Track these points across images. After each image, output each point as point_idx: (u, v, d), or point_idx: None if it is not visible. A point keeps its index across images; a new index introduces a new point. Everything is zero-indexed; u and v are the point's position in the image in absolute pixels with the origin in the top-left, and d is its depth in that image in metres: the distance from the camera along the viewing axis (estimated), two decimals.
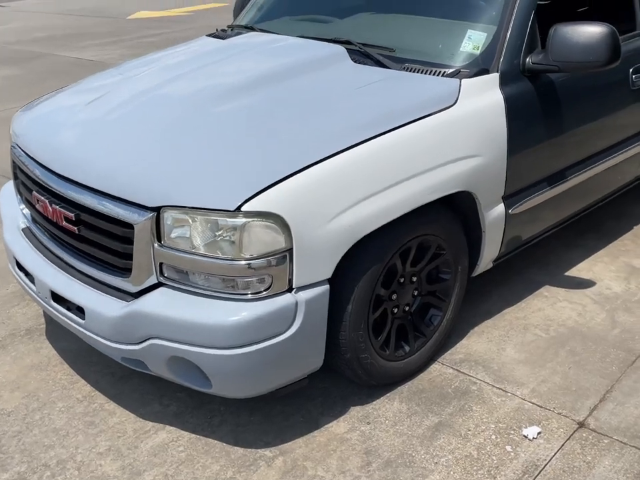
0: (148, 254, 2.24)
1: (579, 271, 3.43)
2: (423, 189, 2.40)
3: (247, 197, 2.08)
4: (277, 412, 2.59)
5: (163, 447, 2.45)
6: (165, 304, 2.24)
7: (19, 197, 2.92)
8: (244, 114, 2.48)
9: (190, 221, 2.16)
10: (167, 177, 2.23)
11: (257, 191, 2.09)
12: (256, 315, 2.15)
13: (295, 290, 2.20)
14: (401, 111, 2.43)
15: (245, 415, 2.59)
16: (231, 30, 3.62)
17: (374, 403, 2.61)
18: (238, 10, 3.99)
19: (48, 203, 2.51)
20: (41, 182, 2.56)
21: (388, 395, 2.64)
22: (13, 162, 2.87)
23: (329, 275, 2.24)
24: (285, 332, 2.20)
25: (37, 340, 3.11)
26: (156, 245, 2.22)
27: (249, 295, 2.17)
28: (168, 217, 2.18)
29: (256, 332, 2.17)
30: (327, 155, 2.21)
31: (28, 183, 2.72)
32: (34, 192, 2.61)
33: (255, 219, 2.09)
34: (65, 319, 2.53)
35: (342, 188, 2.21)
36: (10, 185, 3.21)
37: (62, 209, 2.45)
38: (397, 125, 2.37)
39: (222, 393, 2.34)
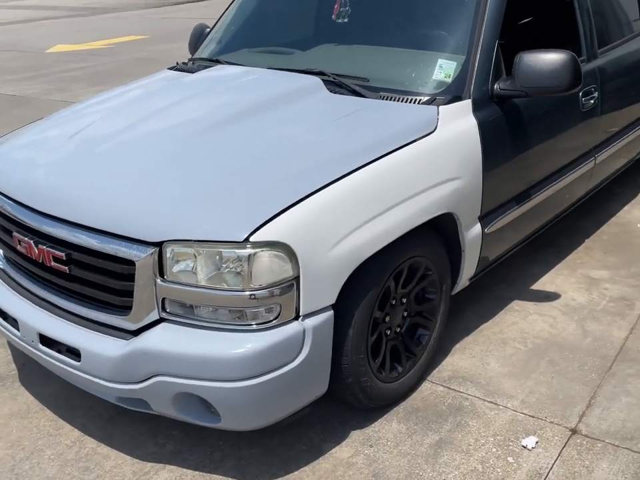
0: (150, 290, 2.20)
1: (543, 284, 3.60)
2: (413, 213, 2.47)
3: (254, 227, 2.09)
4: (277, 443, 2.58)
5: None
6: (169, 339, 2.21)
7: None
8: (234, 146, 2.50)
9: (195, 254, 2.15)
10: (167, 211, 2.22)
11: (264, 220, 2.11)
12: (266, 345, 2.15)
13: (301, 317, 2.21)
14: (388, 138, 2.51)
15: (246, 448, 2.56)
16: (193, 63, 3.63)
17: (373, 425, 2.64)
18: (193, 44, 4.00)
19: (33, 244, 2.43)
20: (23, 222, 2.48)
21: (385, 416, 2.68)
22: None
23: (333, 300, 2.27)
24: (293, 360, 2.21)
25: (11, 387, 2.97)
26: (158, 280, 2.19)
27: (258, 325, 2.17)
28: (171, 252, 2.16)
29: (266, 362, 2.17)
30: (326, 183, 2.26)
31: (5, 224, 2.62)
32: (14, 233, 2.52)
33: (264, 249, 2.10)
34: (55, 363, 2.44)
35: (342, 215, 2.26)
36: None
37: (50, 249, 2.38)
38: (386, 152, 2.45)
39: (230, 427, 2.32)
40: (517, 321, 3.27)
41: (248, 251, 2.10)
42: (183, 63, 3.68)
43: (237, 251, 2.10)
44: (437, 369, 2.94)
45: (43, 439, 2.66)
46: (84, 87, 9.42)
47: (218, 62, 3.42)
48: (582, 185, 3.75)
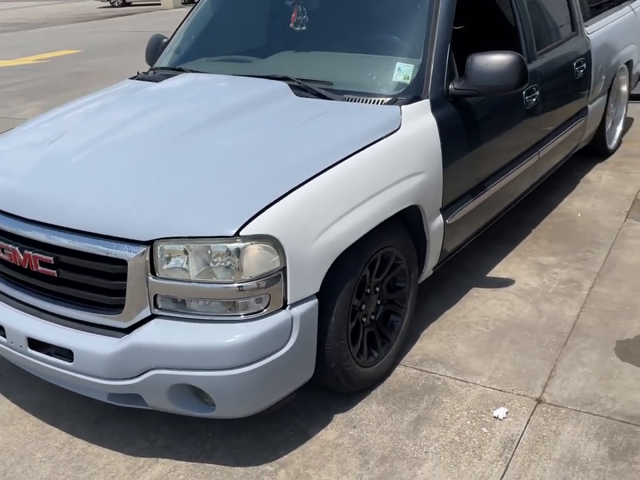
0: (142, 288, 2.29)
1: (497, 272, 3.83)
2: (385, 205, 2.64)
3: (244, 222, 2.22)
4: (264, 430, 2.69)
5: (162, 478, 2.48)
6: (163, 333, 2.30)
7: None
8: (213, 147, 2.62)
9: (186, 250, 2.25)
10: (156, 210, 2.32)
11: (252, 215, 2.24)
12: (257, 334, 2.27)
13: (289, 306, 2.35)
14: (358, 136, 2.68)
15: (235, 437, 2.67)
16: (154, 72, 3.71)
17: (354, 408, 2.79)
18: (151, 54, 4.07)
19: (18, 250, 2.48)
20: (6, 230, 2.53)
21: (364, 399, 2.83)
22: None
23: (317, 289, 2.41)
24: (283, 347, 2.34)
25: None
26: (150, 277, 2.28)
27: (249, 315, 2.29)
28: (162, 249, 2.26)
29: (258, 349, 2.29)
30: (305, 179, 2.40)
31: None
32: None
33: (253, 242, 2.22)
34: (45, 365, 2.50)
35: (321, 208, 2.41)
36: None
37: (37, 254, 2.44)
38: (358, 149, 2.61)
39: (224, 415, 2.42)
40: (477, 306, 3.48)
41: (238, 244, 2.22)
42: (144, 73, 3.76)
43: (227, 245, 2.22)
44: (408, 353, 3.11)
45: (32, 443, 2.69)
46: (22, 102, 9.28)
47: (181, 70, 3.52)
48: (528, 178, 4.01)
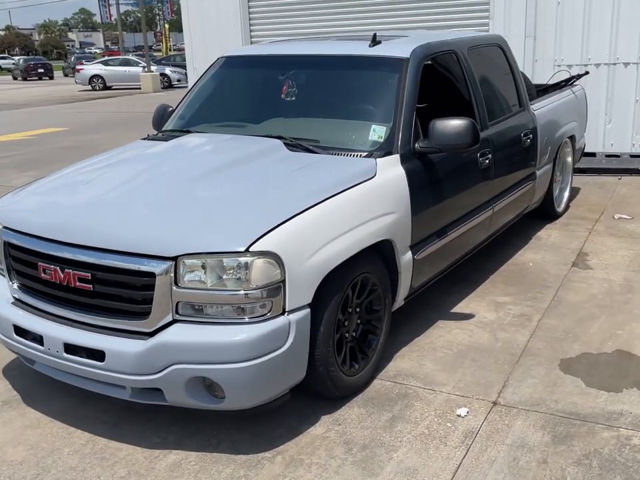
0: (167, 297, 2.80)
1: (460, 308, 4.38)
2: (364, 236, 3.21)
3: (252, 240, 2.76)
4: (262, 429, 3.14)
5: (177, 464, 2.90)
6: (185, 334, 2.79)
7: (7, 275, 3.30)
8: (225, 185, 3.19)
9: (204, 263, 2.77)
10: (180, 232, 2.85)
11: (259, 235, 2.78)
12: (261, 333, 2.77)
13: (287, 313, 2.86)
14: (342, 179, 3.27)
15: (237, 434, 3.11)
16: (162, 134, 4.32)
17: (339, 411, 3.25)
18: (158, 120, 4.67)
19: (59, 270, 2.98)
20: (49, 254, 3.02)
21: (347, 404, 3.30)
22: (5, 244, 3.26)
23: (309, 300, 2.93)
24: (282, 346, 2.84)
25: (17, 407, 3.39)
26: (174, 287, 2.79)
27: (254, 318, 2.79)
28: (184, 264, 2.78)
29: (262, 346, 2.78)
30: (301, 210, 2.97)
31: (26, 258, 3.15)
32: (39, 263, 3.05)
33: (259, 257, 2.76)
34: (78, 366, 2.95)
35: (314, 234, 2.96)
36: None
37: (76, 272, 2.93)
38: (342, 189, 3.20)
39: (232, 406, 2.88)
40: (442, 334, 4.01)
41: (247, 258, 2.75)
42: (154, 134, 4.37)
43: (238, 259, 2.75)
44: (384, 369, 3.61)
45: (59, 441, 3.10)
46: (17, 172, 9.82)
47: (189, 132, 4.13)
48: (484, 229, 4.63)
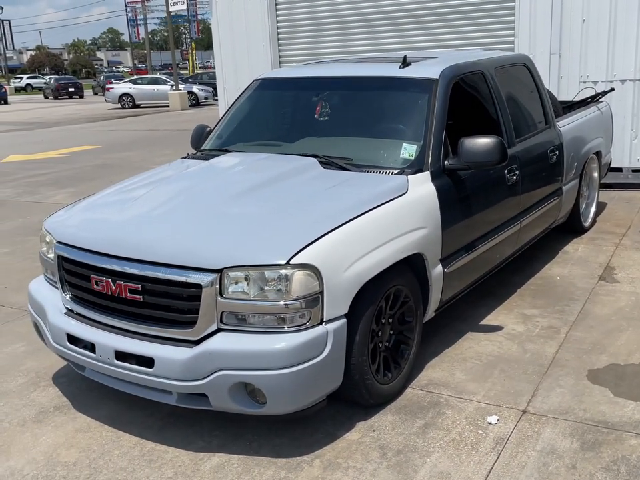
0: (212, 307, 2.97)
1: (489, 320, 4.50)
2: (397, 249, 3.37)
3: (292, 254, 2.93)
4: (300, 434, 3.29)
5: (220, 466, 3.06)
6: (229, 342, 2.96)
7: (60, 287, 3.50)
8: (266, 201, 3.38)
9: (247, 275, 2.95)
10: (224, 246, 3.03)
11: (299, 249, 2.95)
12: (301, 341, 2.93)
13: (325, 322, 3.02)
14: (375, 195, 3.44)
15: (276, 438, 3.26)
16: (202, 154, 4.52)
17: (373, 418, 3.39)
18: (196, 140, 4.87)
19: (111, 282, 3.17)
20: (102, 266, 3.22)
21: (381, 412, 3.44)
22: (59, 257, 3.47)
23: (346, 310, 3.09)
24: (320, 354, 2.99)
25: (68, 413, 3.58)
26: (219, 298, 2.96)
27: (294, 327, 2.95)
28: (229, 276, 2.96)
29: (302, 354, 2.94)
30: (338, 225, 3.14)
31: (79, 271, 3.35)
32: (92, 276, 3.25)
33: (299, 269, 2.92)
34: (128, 373, 3.13)
35: (350, 247, 3.13)
36: (35, 283, 3.78)
37: (127, 283, 3.12)
38: (376, 205, 3.37)
39: (272, 410, 3.03)
40: (472, 346, 4.13)
41: (287, 271, 2.91)
42: (193, 154, 4.57)
43: (279, 271, 2.92)
44: (416, 379, 3.74)
45: (109, 444, 3.28)
46: (53, 189, 10.15)
47: (227, 151, 4.33)
48: (512, 243, 4.75)
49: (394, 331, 3.56)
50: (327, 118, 4.34)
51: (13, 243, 7.08)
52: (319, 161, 3.86)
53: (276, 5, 10.42)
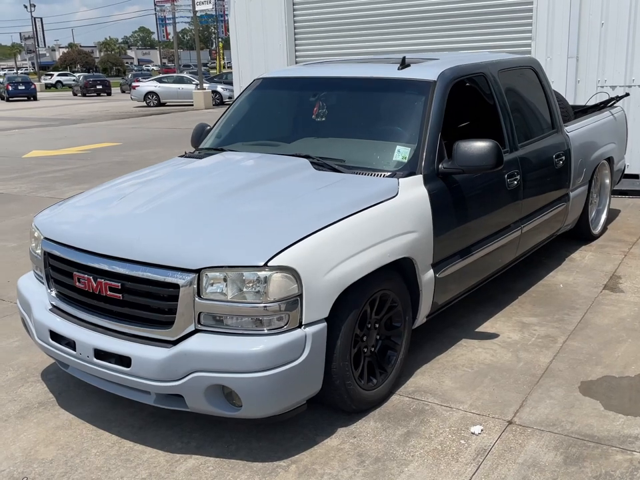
0: (190, 307, 2.94)
1: (485, 328, 4.42)
2: (383, 253, 3.30)
3: (271, 255, 2.88)
4: (279, 438, 3.24)
5: (195, 469, 3.03)
6: (205, 343, 2.93)
7: (46, 283, 3.50)
8: (250, 202, 3.34)
9: (225, 276, 2.91)
10: (204, 246, 3.00)
11: (278, 251, 2.91)
12: (278, 345, 2.89)
13: (303, 326, 2.97)
14: (364, 198, 3.38)
15: (255, 441, 3.22)
16: (199, 152, 4.51)
17: (355, 424, 3.33)
18: (196, 138, 4.86)
19: (92, 279, 3.16)
20: (83, 264, 3.21)
21: (364, 418, 3.38)
22: (45, 253, 3.47)
23: (326, 314, 3.04)
24: (298, 358, 2.94)
25: (52, 409, 3.58)
26: (197, 299, 2.93)
27: (272, 330, 2.91)
28: (207, 276, 2.92)
29: (278, 358, 2.89)
30: (321, 227, 3.08)
31: (63, 267, 3.34)
32: (75, 272, 3.25)
33: (277, 272, 2.88)
34: (107, 371, 3.11)
35: (332, 250, 3.07)
36: (25, 279, 3.79)
37: (107, 281, 3.11)
38: (363, 207, 3.31)
39: (249, 414, 2.99)
40: (464, 353, 4.05)
41: (266, 273, 2.87)
42: (191, 152, 4.56)
43: (257, 272, 2.88)
44: (402, 386, 3.68)
45: (87, 442, 3.27)
46: (68, 185, 10.24)
47: (223, 150, 4.30)
48: (512, 250, 4.65)
49: (380, 336, 3.50)
50: (323, 119, 4.29)
51: (21, 238, 7.15)
52: (310, 162, 3.81)
53: (293, 5, 10.40)
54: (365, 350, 3.39)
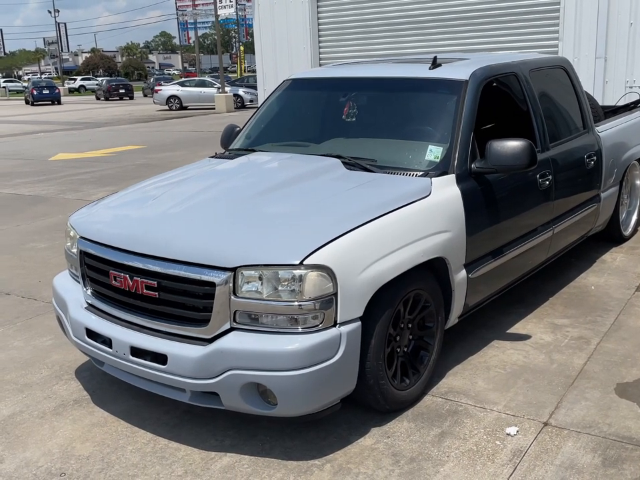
0: (225, 305, 2.95)
1: (517, 329, 4.38)
2: (417, 252, 3.29)
3: (306, 254, 2.89)
4: (313, 436, 3.24)
5: (230, 466, 3.04)
6: (241, 341, 2.94)
7: (82, 281, 3.54)
8: (282, 201, 3.35)
9: (261, 275, 2.92)
10: (239, 245, 3.01)
11: (313, 249, 2.91)
12: (313, 343, 2.89)
13: (338, 325, 2.97)
14: (397, 197, 3.37)
15: (289, 440, 3.22)
16: (230, 153, 4.53)
17: (388, 424, 3.32)
18: (225, 139, 4.88)
19: (128, 277, 3.18)
20: (120, 262, 3.24)
21: (397, 418, 3.37)
22: (81, 252, 3.51)
23: (360, 313, 3.03)
24: (333, 357, 2.94)
25: (87, 407, 3.61)
26: (232, 297, 2.94)
27: (307, 329, 2.91)
28: (243, 275, 2.93)
29: (313, 356, 2.89)
30: (356, 226, 3.08)
31: (99, 266, 3.38)
32: (111, 271, 3.28)
33: (313, 270, 2.88)
34: (143, 369, 3.13)
35: (367, 249, 3.07)
36: (60, 278, 3.83)
37: (143, 280, 3.13)
38: (397, 207, 3.30)
39: (283, 412, 2.99)
40: (497, 354, 4.02)
41: (301, 271, 2.88)
42: (221, 153, 4.58)
43: (293, 271, 2.88)
44: (435, 386, 3.66)
45: (123, 440, 3.29)
46: (95, 187, 10.35)
47: (254, 151, 4.32)
48: (543, 250, 4.61)
49: (413, 336, 3.49)
50: (354, 119, 4.29)
51: (51, 239, 7.23)
52: (342, 162, 3.81)
53: (317, 8, 10.43)
54: (398, 350, 3.38)
